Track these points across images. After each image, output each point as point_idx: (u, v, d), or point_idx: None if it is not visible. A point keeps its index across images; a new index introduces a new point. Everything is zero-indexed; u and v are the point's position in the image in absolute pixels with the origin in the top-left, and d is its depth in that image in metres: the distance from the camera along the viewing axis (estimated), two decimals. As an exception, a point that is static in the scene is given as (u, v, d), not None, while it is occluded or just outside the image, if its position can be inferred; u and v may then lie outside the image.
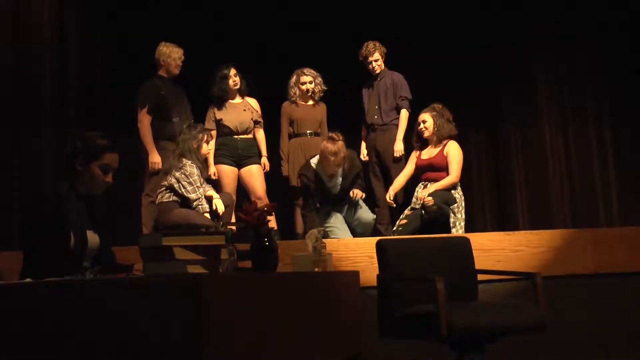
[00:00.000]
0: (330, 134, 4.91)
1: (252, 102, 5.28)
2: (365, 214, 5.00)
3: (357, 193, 4.93)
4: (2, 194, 5.02)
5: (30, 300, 1.86)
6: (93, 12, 5.89)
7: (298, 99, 5.36)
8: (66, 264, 2.49)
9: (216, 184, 5.03)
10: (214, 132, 5.08)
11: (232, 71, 5.16)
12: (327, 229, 4.79)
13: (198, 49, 5.51)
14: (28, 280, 2.17)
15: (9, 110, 5.20)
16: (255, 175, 5.13)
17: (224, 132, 5.13)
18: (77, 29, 5.77)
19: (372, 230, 5.06)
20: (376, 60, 5.39)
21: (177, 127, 4.91)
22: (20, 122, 5.22)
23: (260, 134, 5.28)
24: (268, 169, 5.27)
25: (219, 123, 5.13)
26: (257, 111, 5.25)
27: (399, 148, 5.26)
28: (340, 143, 4.78)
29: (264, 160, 5.25)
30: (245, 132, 5.17)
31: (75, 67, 5.72)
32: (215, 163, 5.09)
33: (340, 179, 4.94)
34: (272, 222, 4.91)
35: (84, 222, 2.66)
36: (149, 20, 6.05)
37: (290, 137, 5.34)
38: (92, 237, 2.66)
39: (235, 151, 5.12)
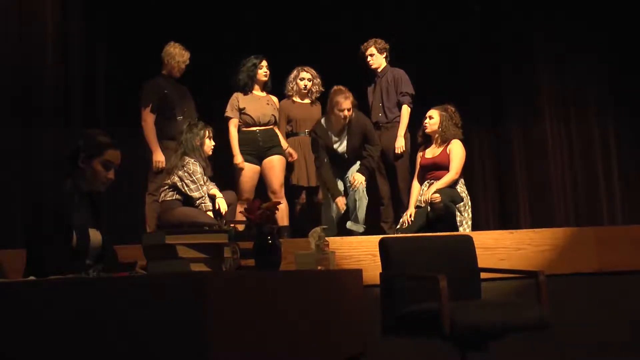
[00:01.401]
0: (339, 87, 4.91)
1: (274, 100, 5.26)
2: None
3: (357, 180, 4.88)
4: (5, 193, 5.02)
5: (33, 298, 1.87)
6: (96, 11, 5.90)
7: (295, 95, 5.35)
8: (69, 262, 2.50)
9: (227, 182, 4.99)
10: (235, 121, 5.05)
11: (264, 62, 5.15)
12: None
13: (200, 46, 5.50)
14: (31, 278, 2.17)
15: (12, 109, 5.20)
16: (275, 167, 5.06)
17: (245, 122, 5.08)
18: (79, 28, 5.77)
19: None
20: (371, 55, 5.36)
21: (180, 125, 4.90)
22: (23, 122, 5.22)
23: (278, 131, 5.24)
24: (296, 157, 5.19)
25: (241, 112, 5.09)
26: (277, 109, 5.24)
27: (400, 144, 5.20)
28: (351, 99, 4.84)
29: (289, 150, 5.19)
30: (267, 124, 5.13)
31: (77, 67, 5.72)
32: (237, 160, 5.05)
33: (345, 137, 4.94)
34: (285, 220, 4.95)
35: (87, 219, 2.66)
36: (151, 18, 6.05)
37: (287, 135, 5.32)
38: (95, 235, 2.66)
39: (256, 144, 5.06)
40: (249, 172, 5.05)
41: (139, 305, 1.78)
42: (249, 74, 5.11)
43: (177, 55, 5.02)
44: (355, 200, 4.89)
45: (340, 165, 5.02)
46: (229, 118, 5.06)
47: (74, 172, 2.68)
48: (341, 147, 4.98)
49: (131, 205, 5.23)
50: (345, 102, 4.83)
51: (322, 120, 4.97)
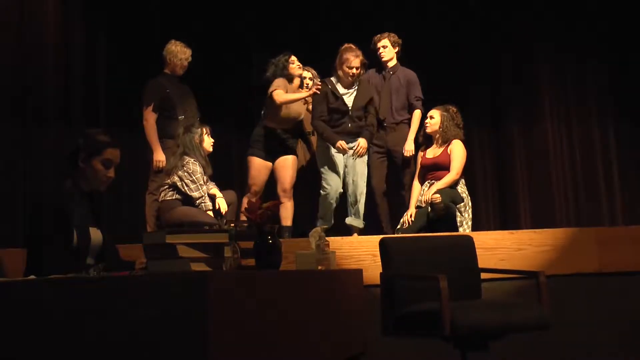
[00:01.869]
0: (349, 45, 4.87)
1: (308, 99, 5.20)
2: (359, 177, 4.88)
3: (361, 145, 4.81)
4: (7, 193, 5.03)
5: (34, 297, 1.87)
6: (96, 11, 5.90)
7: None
8: (70, 261, 2.50)
9: (227, 181, 4.98)
10: (282, 90, 4.89)
11: (294, 57, 5.11)
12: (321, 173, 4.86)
13: (203, 45, 5.50)
14: (32, 277, 2.17)
15: (13, 109, 5.21)
16: (288, 167, 5.05)
17: (275, 120, 5.02)
18: (79, 28, 5.77)
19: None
20: (384, 47, 5.24)
21: (182, 125, 4.91)
22: (25, 122, 5.23)
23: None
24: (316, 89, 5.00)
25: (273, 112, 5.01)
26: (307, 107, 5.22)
27: (409, 148, 5.10)
28: (361, 57, 4.80)
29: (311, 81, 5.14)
30: (294, 125, 5.12)
31: (78, 67, 5.72)
32: (249, 155, 5.05)
33: (354, 92, 4.91)
34: (288, 220, 4.94)
35: (87, 219, 2.66)
36: (152, 18, 6.05)
37: None
38: (95, 234, 2.67)
39: (275, 142, 5.03)
40: (261, 166, 5.05)
41: (139, 305, 1.78)
42: (279, 69, 5.03)
43: (179, 52, 5.03)
44: (356, 195, 4.87)
45: (341, 127, 4.88)
46: (273, 91, 4.90)
47: (74, 172, 2.68)
48: (348, 98, 4.90)
49: (132, 205, 5.23)
50: (354, 60, 4.80)
51: (332, 78, 4.93)
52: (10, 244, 3.90)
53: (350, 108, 4.91)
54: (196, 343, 1.73)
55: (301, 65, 5.14)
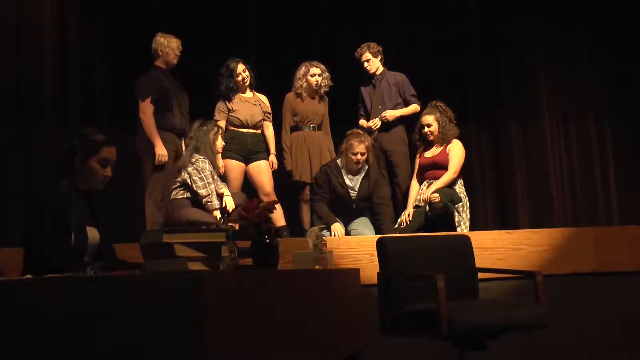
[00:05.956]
0: (357, 131, 4.88)
1: (263, 98, 5.23)
2: (365, 228, 4.86)
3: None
4: (4, 192, 5.03)
5: (30, 296, 1.87)
6: (95, 11, 5.89)
7: (304, 92, 5.23)
8: (67, 260, 2.50)
9: (221, 179, 5.00)
10: (223, 123, 5.02)
11: (240, 67, 5.09)
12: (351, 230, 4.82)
13: (200, 43, 5.49)
14: (29, 276, 2.17)
15: (11, 108, 5.21)
16: (263, 171, 5.08)
17: (234, 124, 5.07)
18: (77, 26, 5.77)
19: None
20: (367, 61, 5.31)
21: (176, 118, 4.88)
22: (22, 121, 5.22)
23: (270, 131, 5.21)
24: (276, 167, 5.19)
25: (229, 115, 5.08)
26: (267, 107, 5.22)
27: (390, 114, 5.20)
28: (367, 143, 4.78)
29: (272, 158, 5.19)
30: (255, 126, 5.12)
31: (77, 67, 5.72)
32: (223, 157, 5.02)
33: (361, 177, 4.85)
34: (281, 220, 4.94)
35: (84, 218, 2.66)
36: (151, 17, 6.03)
37: (292, 129, 5.24)
38: (92, 233, 2.66)
39: (245, 146, 5.06)
40: (237, 168, 5.05)
41: (137, 304, 1.78)
42: (227, 86, 5.07)
43: (171, 42, 4.96)
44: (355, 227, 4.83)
45: (344, 212, 4.88)
46: (216, 121, 5.02)
47: (71, 172, 2.68)
48: (353, 184, 4.85)
49: (129, 204, 5.21)
50: (358, 146, 4.74)
51: (338, 160, 4.89)
52: (8, 243, 3.90)
53: (354, 199, 4.85)
54: (194, 342, 1.73)
55: (246, 77, 5.08)
